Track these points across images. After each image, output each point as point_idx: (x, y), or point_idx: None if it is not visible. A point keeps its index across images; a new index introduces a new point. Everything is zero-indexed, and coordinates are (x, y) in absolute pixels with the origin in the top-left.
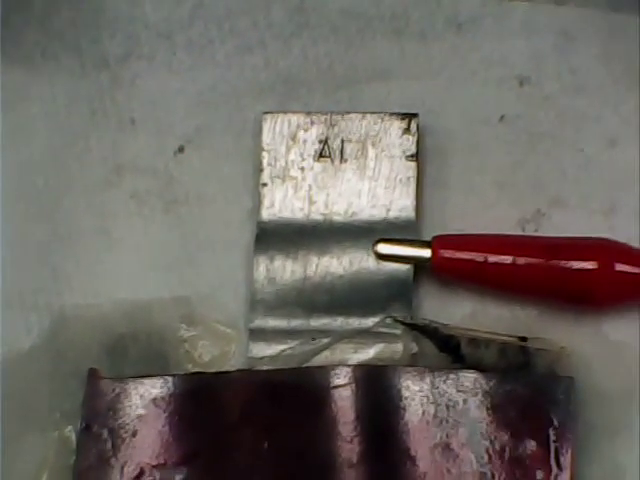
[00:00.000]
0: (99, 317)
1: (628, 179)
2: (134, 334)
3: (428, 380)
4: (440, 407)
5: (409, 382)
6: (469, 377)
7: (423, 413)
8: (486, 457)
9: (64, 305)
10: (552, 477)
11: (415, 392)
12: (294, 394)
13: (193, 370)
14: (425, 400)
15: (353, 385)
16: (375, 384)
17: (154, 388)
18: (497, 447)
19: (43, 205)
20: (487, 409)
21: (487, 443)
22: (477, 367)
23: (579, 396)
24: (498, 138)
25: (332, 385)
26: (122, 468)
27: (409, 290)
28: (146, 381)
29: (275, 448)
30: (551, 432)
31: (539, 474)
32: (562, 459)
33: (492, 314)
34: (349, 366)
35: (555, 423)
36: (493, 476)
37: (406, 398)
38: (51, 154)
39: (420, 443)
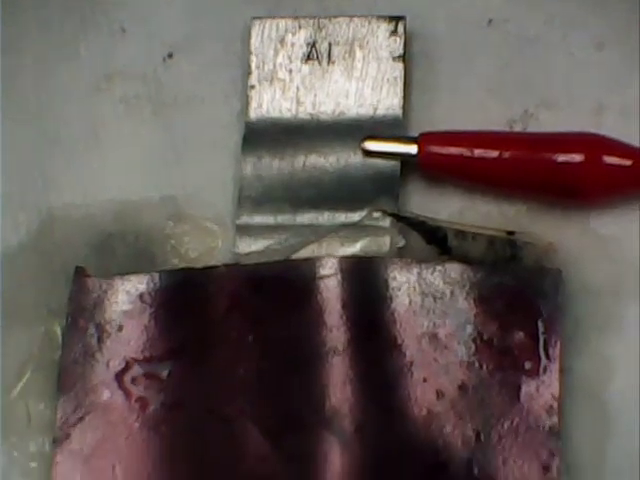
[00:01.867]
0: (87, 217)
1: (615, 80)
2: (122, 233)
3: (415, 271)
4: (427, 298)
5: (395, 273)
6: (456, 269)
7: (410, 303)
8: (473, 347)
9: (52, 206)
10: (540, 368)
11: (402, 283)
12: (280, 286)
13: (180, 266)
14: (412, 291)
15: (339, 276)
16: (361, 275)
17: (140, 284)
18: (485, 338)
19: (32, 109)
20: (474, 300)
21: (475, 334)
22: (464, 260)
23: (567, 290)
24: (486, 42)
25: (318, 276)
26: (107, 362)
27: (396, 185)
28: (132, 277)
29: (261, 340)
30: (539, 324)
31: (527, 364)
32: (551, 350)
33: (480, 211)
34: (335, 257)
35: (543, 315)
36: (481, 366)
37: (392, 289)
38: (42, 61)
39: (407, 333)
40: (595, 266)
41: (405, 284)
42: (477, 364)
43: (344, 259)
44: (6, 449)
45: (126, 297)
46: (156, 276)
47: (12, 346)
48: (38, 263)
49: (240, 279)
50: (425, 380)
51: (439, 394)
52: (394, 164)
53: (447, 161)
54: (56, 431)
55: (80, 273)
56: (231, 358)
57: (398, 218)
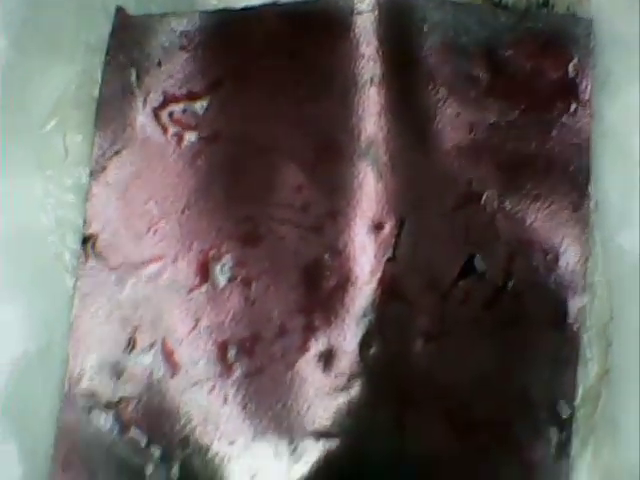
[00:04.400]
0: None
1: None
2: None
3: (451, 11)
4: (461, 38)
5: (432, 12)
6: (490, 11)
7: (445, 42)
8: (509, 84)
9: None
10: (571, 110)
11: (437, 22)
12: (318, 21)
13: (219, 7)
14: (447, 30)
15: (376, 12)
16: (398, 12)
17: (180, 23)
18: (518, 77)
19: None
20: (508, 44)
21: (508, 72)
22: (498, 4)
23: (598, 40)
24: None
25: (355, 11)
26: (145, 98)
27: None
28: (173, 17)
29: (298, 73)
30: (570, 68)
31: (559, 106)
32: (581, 95)
33: None
34: None
35: (574, 60)
36: (513, 106)
37: (428, 27)
38: None
39: (442, 69)
40: (627, 19)
41: (440, 23)
42: (509, 103)
43: None
44: (42, 183)
45: (166, 36)
46: (196, 16)
47: (51, 83)
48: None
49: (279, 16)
50: (458, 115)
51: (472, 129)
52: None
53: None
54: (93, 164)
55: (121, 12)
56: (269, 91)
57: None
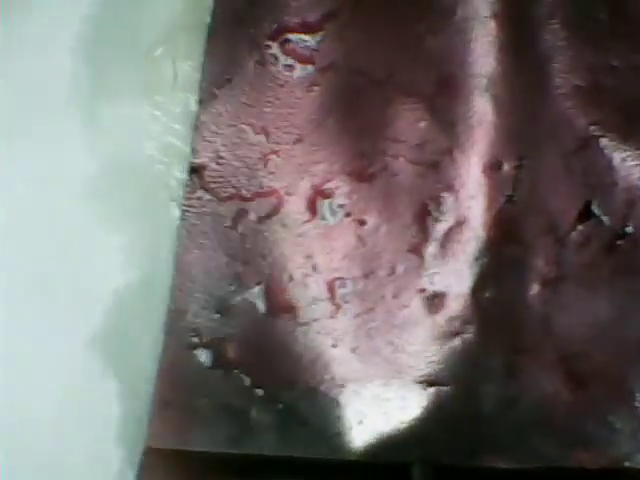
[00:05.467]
0: None
1: None
2: None
3: None
4: None
5: None
6: None
7: None
8: (632, 26)
9: None
10: None
11: None
12: None
13: None
14: None
15: None
16: None
17: None
18: None
19: None
20: None
21: (632, 13)
22: None
23: None
24: None
25: None
26: (257, 26)
27: None
28: None
29: (418, 6)
30: None
31: None
32: None
33: None
34: None
35: None
36: (636, 44)
37: None
38: None
39: (562, 8)
40: None
41: None
42: (631, 45)
43: None
44: (149, 109)
45: None
46: None
47: (160, 5)
48: None
49: None
50: (579, 55)
51: (592, 70)
52: None
53: None
54: (202, 92)
55: None
56: (387, 23)
57: None
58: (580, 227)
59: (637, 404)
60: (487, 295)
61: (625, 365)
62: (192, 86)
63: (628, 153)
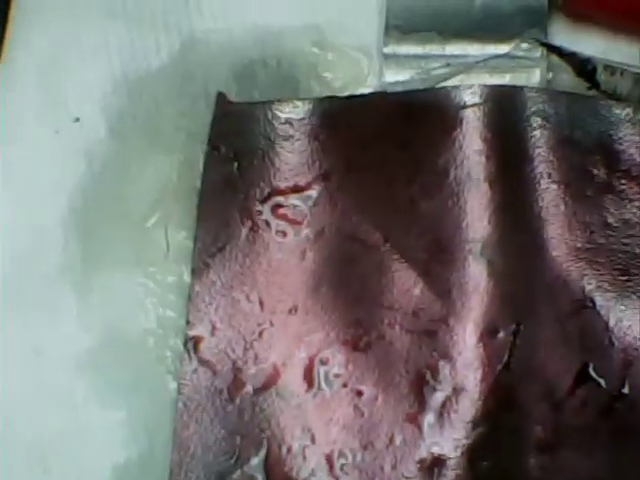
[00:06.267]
0: (229, 41)
1: None
2: (264, 59)
3: (564, 103)
4: (576, 132)
5: (545, 104)
6: (605, 104)
7: (559, 136)
8: (624, 181)
9: (194, 28)
10: None
11: (551, 114)
12: (427, 114)
13: (324, 95)
14: (561, 123)
15: (488, 104)
16: (510, 104)
17: (285, 111)
18: (634, 173)
19: None
20: (622, 138)
21: (623, 167)
22: (612, 95)
23: None
24: None
25: (466, 104)
26: (248, 190)
27: (544, 17)
28: (276, 104)
29: (410, 167)
30: None
31: None
32: None
33: (624, 51)
34: (483, 86)
35: None
36: (630, 199)
37: (542, 120)
38: None
39: (557, 165)
40: None
41: (554, 116)
42: (625, 200)
43: (492, 87)
44: (143, 280)
45: (269, 124)
46: (301, 104)
47: (151, 172)
48: (178, 85)
49: (388, 106)
50: (574, 214)
51: (588, 229)
52: None
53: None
54: (195, 261)
55: (222, 98)
56: (379, 186)
57: (549, 48)
58: (578, 391)
59: None
60: (485, 464)
61: None
62: (186, 255)
63: (624, 313)
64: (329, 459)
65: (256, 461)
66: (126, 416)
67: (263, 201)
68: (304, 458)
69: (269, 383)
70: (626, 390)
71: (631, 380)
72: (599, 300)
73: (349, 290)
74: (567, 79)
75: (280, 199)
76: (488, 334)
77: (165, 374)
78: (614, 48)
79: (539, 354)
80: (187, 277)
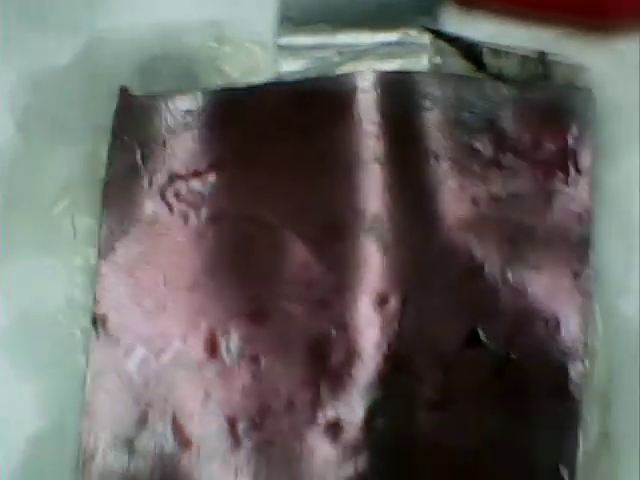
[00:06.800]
0: (132, 39)
1: None
2: (166, 55)
3: (451, 86)
4: (463, 112)
5: (433, 87)
6: (491, 85)
7: (447, 117)
8: (508, 159)
9: (99, 27)
10: (571, 180)
11: (438, 97)
12: (319, 100)
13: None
14: (448, 105)
15: (378, 89)
16: (399, 88)
17: (184, 103)
18: (519, 149)
19: None
20: (508, 116)
21: (509, 146)
22: (498, 77)
23: (597, 108)
24: None
25: (357, 89)
26: (151, 177)
27: (434, 5)
28: (177, 97)
29: (303, 151)
30: (570, 138)
31: (558, 176)
32: (581, 164)
33: (512, 35)
34: (374, 71)
35: (573, 130)
36: (514, 176)
37: (430, 102)
38: None
39: (444, 143)
40: (624, 87)
41: (442, 98)
42: (511, 175)
43: (383, 73)
44: (52, 264)
45: (170, 115)
46: (199, 95)
47: (58, 164)
48: (83, 83)
49: (281, 94)
50: (461, 188)
51: (475, 202)
52: None
53: None
54: (101, 244)
55: (124, 92)
56: (273, 170)
57: (436, 35)
58: (467, 353)
59: None
60: (380, 424)
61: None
62: (92, 240)
63: (511, 279)
64: (231, 422)
65: (161, 427)
66: (40, 390)
67: (165, 186)
68: (207, 423)
69: (172, 354)
70: (513, 352)
71: (519, 343)
72: (487, 267)
73: (247, 267)
74: (455, 63)
75: (181, 184)
76: (379, 303)
77: (75, 350)
78: (501, 32)
79: (429, 320)
80: (94, 260)
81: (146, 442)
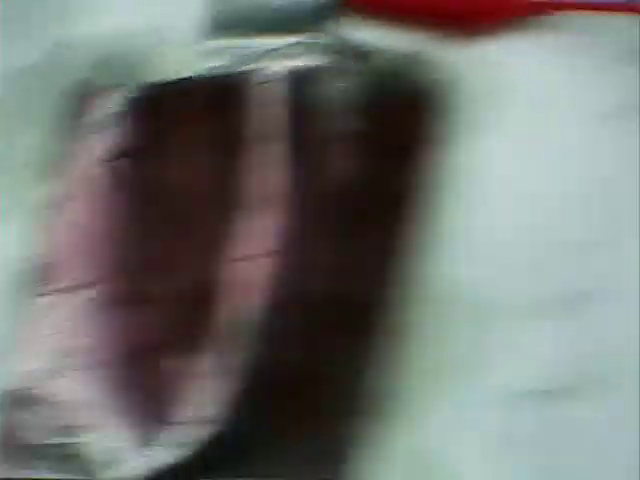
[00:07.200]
0: (89, 42)
1: None
2: (115, 56)
3: (339, 79)
4: (343, 102)
5: (327, 81)
6: (371, 79)
7: (332, 105)
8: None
9: (61, 32)
10: (424, 159)
11: (330, 88)
12: (226, 93)
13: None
14: (334, 95)
15: (282, 81)
16: (300, 81)
17: (116, 98)
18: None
19: None
20: (375, 103)
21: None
22: (380, 73)
23: (456, 99)
24: None
25: (258, 82)
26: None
27: (334, 14)
28: (114, 92)
29: (211, 137)
30: (426, 123)
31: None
32: (435, 151)
33: (395, 38)
34: (280, 67)
35: (430, 116)
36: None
37: (323, 92)
38: None
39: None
40: (484, 80)
41: (332, 89)
42: (371, 155)
43: (287, 68)
44: None
45: (106, 107)
46: (132, 89)
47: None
48: (46, 80)
49: (195, 87)
50: (330, 165)
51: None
52: None
53: None
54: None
55: (79, 88)
56: (185, 152)
57: (333, 37)
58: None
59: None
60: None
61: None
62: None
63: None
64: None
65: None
66: None
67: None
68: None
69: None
70: None
71: None
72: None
73: (152, 225)
74: (346, 61)
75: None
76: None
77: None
78: (387, 36)
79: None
80: None
81: None
